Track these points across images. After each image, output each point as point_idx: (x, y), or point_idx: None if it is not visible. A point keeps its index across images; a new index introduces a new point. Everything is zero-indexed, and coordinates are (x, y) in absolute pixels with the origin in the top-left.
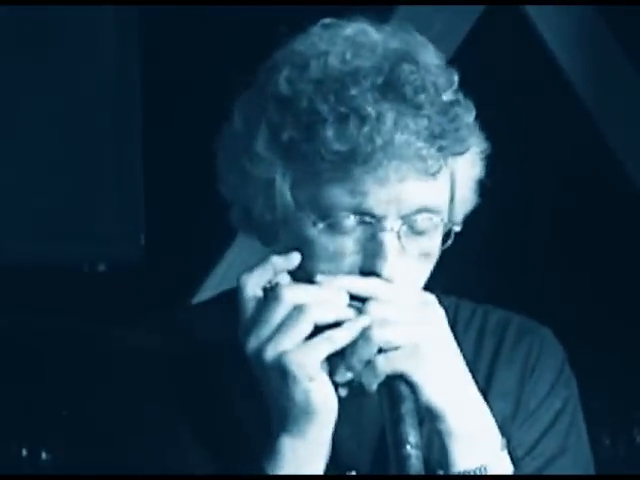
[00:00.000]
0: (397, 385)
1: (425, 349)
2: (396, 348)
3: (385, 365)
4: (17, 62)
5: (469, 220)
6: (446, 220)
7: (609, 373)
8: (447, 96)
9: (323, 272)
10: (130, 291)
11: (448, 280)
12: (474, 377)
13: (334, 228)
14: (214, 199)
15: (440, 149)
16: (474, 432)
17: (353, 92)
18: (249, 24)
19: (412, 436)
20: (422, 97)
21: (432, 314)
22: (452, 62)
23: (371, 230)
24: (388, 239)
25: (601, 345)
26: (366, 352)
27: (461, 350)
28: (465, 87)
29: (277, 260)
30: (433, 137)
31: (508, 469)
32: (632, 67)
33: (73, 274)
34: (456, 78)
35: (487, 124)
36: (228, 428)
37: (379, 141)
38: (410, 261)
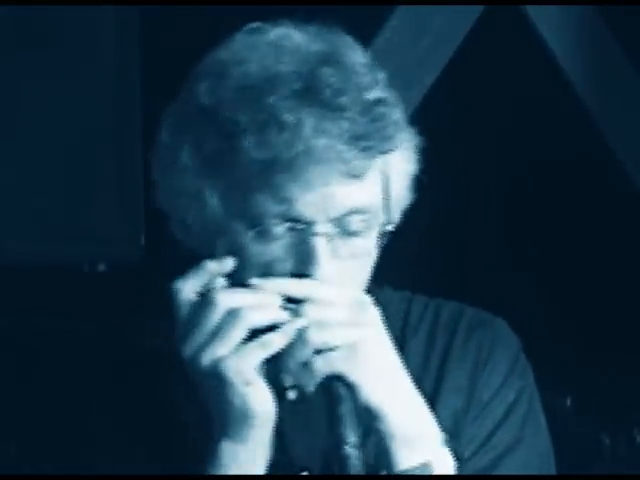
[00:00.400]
0: (335, 386)
1: (362, 349)
2: (333, 349)
3: (322, 366)
4: (17, 62)
5: (457, 215)
6: (381, 219)
7: (609, 373)
8: (371, 95)
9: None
10: (130, 291)
11: (403, 276)
12: (426, 373)
13: (264, 236)
14: None
15: (364, 149)
16: (413, 430)
17: (271, 99)
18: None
19: (351, 436)
20: (343, 99)
21: (368, 314)
22: (452, 62)
23: (301, 235)
24: (318, 243)
25: (601, 345)
26: (303, 354)
27: (413, 345)
28: (465, 87)
29: (210, 265)
30: (355, 138)
31: (451, 463)
32: (632, 67)
33: (73, 274)
34: (382, 76)
35: (487, 123)
36: (173, 431)
37: (300, 147)
38: (344, 263)
